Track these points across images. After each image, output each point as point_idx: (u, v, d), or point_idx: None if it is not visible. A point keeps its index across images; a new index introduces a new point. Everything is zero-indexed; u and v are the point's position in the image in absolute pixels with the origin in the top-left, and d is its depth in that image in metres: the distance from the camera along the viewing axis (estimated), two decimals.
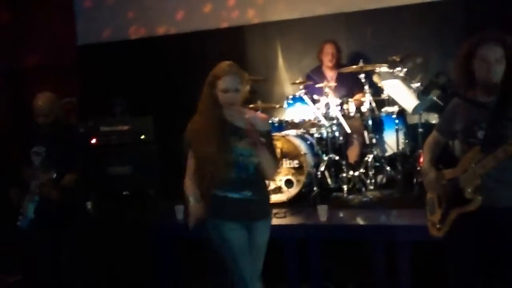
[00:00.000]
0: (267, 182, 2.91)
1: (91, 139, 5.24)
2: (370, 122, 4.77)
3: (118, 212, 4.72)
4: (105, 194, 5.00)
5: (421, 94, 4.28)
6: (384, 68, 4.75)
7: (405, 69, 4.71)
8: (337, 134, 4.85)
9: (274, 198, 4.23)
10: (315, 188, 4.48)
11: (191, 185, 2.77)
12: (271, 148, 2.74)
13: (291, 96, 4.99)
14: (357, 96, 5.03)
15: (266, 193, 2.88)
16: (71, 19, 6.69)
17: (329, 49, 5.19)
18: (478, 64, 2.48)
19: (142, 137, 5.24)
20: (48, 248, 3.51)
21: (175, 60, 6.15)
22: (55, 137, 3.53)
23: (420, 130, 4.60)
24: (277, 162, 2.79)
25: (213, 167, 2.63)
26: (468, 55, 2.52)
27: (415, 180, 4.47)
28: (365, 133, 4.87)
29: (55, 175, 3.43)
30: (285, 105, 5.01)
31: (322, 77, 5.16)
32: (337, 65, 5.22)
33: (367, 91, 4.79)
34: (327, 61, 5.20)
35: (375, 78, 4.88)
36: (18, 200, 3.46)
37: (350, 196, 4.54)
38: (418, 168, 4.46)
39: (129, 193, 5.19)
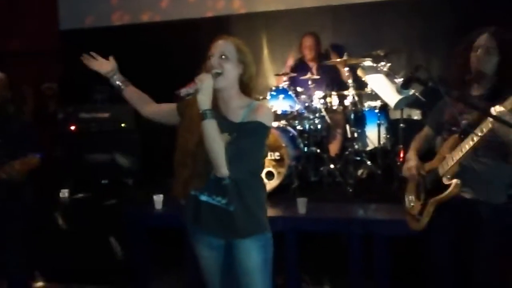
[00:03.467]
0: (261, 192, 2.31)
1: (70, 126, 5.17)
2: (352, 116, 4.75)
3: (95, 200, 4.65)
4: (82, 182, 4.94)
5: (400, 87, 4.28)
6: (368, 62, 4.73)
7: (389, 64, 4.70)
8: (319, 127, 4.85)
9: None
10: (295, 181, 4.46)
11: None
12: (238, 143, 2.09)
13: (274, 88, 4.96)
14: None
15: (253, 206, 2.22)
16: (54, 4, 6.57)
17: (307, 42, 5.23)
18: (472, 55, 2.52)
19: (123, 125, 5.18)
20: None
21: (158, 48, 6.07)
22: (6, 121, 3.36)
23: (402, 125, 4.60)
24: (223, 161, 2.05)
25: (192, 161, 2.16)
26: (466, 48, 2.55)
27: (394, 175, 4.48)
28: (347, 127, 4.86)
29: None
30: (268, 97, 4.97)
31: (306, 69, 5.15)
32: (318, 56, 5.22)
33: (351, 84, 4.77)
34: (307, 53, 5.23)
35: (359, 72, 4.87)
36: None
37: (330, 190, 4.54)
38: (398, 163, 4.47)
39: (107, 182, 5.12)
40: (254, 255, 2.23)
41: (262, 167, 2.36)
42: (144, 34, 6.17)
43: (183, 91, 2.06)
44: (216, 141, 2.05)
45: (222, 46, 2.19)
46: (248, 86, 2.23)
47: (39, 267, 4.00)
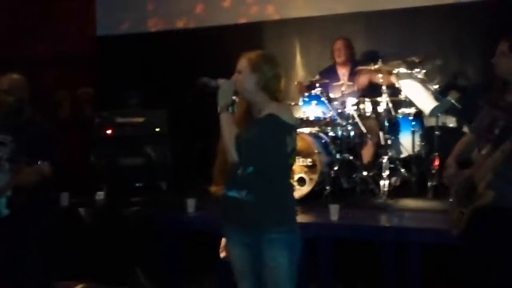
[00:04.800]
0: (284, 187, 2.38)
1: (106, 130, 5.27)
2: (386, 122, 4.70)
3: (129, 203, 4.72)
4: (117, 185, 5.02)
5: (438, 94, 4.23)
6: (402, 69, 4.69)
7: (423, 71, 4.65)
8: (352, 133, 4.81)
9: None
10: (327, 187, 4.45)
11: None
12: (250, 133, 2.24)
13: (307, 94, 4.96)
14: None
15: (275, 197, 2.28)
16: (92, 10, 6.72)
17: (338, 45, 5.17)
18: None
19: (157, 129, 5.26)
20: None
21: (192, 54, 6.14)
22: (22, 126, 3.18)
23: (437, 133, 4.54)
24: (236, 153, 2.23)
25: (223, 159, 2.34)
26: None
27: (429, 183, 4.42)
28: (381, 134, 4.80)
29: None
30: (300, 103, 4.97)
31: (335, 76, 5.13)
32: (349, 61, 5.18)
33: (385, 91, 4.73)
34: (337, 56, 5.18)
35: (393, 79, 4.82)
36: None
37: (363, 197, 4.51)
38: (433, 171, 4.41)
39: (141, 185, 5.20)
40: (281, 252, 2.27)
41: (285, 162, 2.36)
42: (178, 40, 6.25)
43: (204, 79, 2.36)
44: (226, 131, 2.27)
45: (238, 64, 2.40)
46: (268, 89, 2.34)
47: (69, 270, 4.04)
